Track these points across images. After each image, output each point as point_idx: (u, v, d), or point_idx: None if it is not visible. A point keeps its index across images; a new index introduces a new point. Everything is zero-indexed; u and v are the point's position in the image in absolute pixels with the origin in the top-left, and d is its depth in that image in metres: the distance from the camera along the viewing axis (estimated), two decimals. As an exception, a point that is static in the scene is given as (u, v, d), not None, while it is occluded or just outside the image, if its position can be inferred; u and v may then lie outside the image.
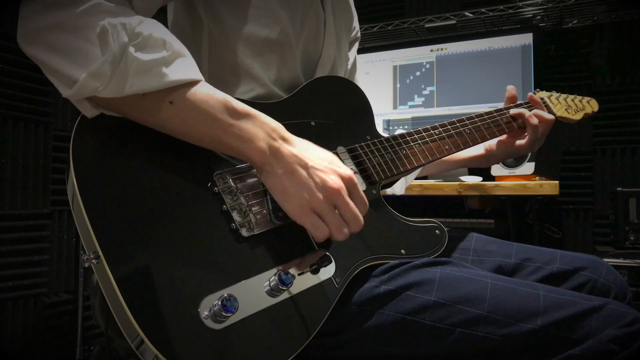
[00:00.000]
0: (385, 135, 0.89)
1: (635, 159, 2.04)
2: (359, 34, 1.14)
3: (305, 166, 0.66)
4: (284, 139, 0.67)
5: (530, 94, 1.07)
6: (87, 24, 0.57)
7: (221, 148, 0.66)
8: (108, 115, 0.63)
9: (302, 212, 0.65)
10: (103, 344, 1.74)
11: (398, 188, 1.22)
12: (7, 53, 1.69)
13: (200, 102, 0.63)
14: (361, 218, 0.68)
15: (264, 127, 0.66)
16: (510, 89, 1.08)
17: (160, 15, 0.74)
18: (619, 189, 1.77)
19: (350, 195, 0.67)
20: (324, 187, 0.65)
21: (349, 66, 1.11)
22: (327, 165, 0.67)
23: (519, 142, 1.05)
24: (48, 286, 1.81)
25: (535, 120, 1.01)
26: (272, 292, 0.63)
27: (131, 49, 0.57)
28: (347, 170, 0.69)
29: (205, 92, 0.64)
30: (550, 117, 1.04)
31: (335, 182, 0.66)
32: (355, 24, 1.11)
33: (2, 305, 1.66)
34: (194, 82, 0.63)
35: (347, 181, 0.68)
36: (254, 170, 0.70)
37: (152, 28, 0.61)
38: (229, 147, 0.65)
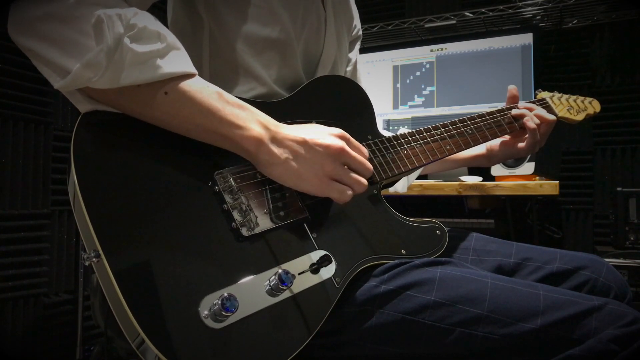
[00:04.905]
0: (387, 134, 0.89)
1: (635, 159, 2.04)
2: (360, 32, 1.14)
3: (304, 142, 0.68)
4: (276, 125, 0.69)
5: (514, 110, 1.03)
6: (81, 15, 0.57)
7: (216, 139, 0.66)
8: (108, 112, 0.63)
9: (322, 184, 0.69)
10: (103, 344, 1.74)
11: (400, 186, 1.22)
12: (7, 53, 1.68)
13: (194, 92, 0.63)
14: (368, 163, 0.73)
15: (255, 116, 0.67)
16: (512, 89, 1.07)
17: (160, 15, 0.74)
18: (619, 189, 1.77)
19: (348, 146, 0.71)
20: (329, 152, 0.68)
21: (350, 67, 1.12)
22: (319, 131, 0.70)
23: (520, 143, 1.05)
24: (48, 286, 1.81)
25: (532, 124, 1.00)
26: (272, 291, 0.63)
27: (126, 40, 0.57)
28: (336, 129, 0.72)
29: (199, 84, 0.65)
30: (552, 117, 1.04)
31: (335, 142, 0.69)
32: (357, 22, 1.11)
33: (2, 305, 1.66)
34: (188, 75, 0.64)
35: (342, 137, 0.71)
36: (255, 170, 0.70)
37: (147, 20, 0.61)
38: (224, 137, 0.65)
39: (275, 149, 0.67)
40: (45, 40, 0.58)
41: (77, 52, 0.57)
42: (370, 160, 0.82)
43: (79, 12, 0.58)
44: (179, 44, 0.65)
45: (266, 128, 0.67)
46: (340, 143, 0.69)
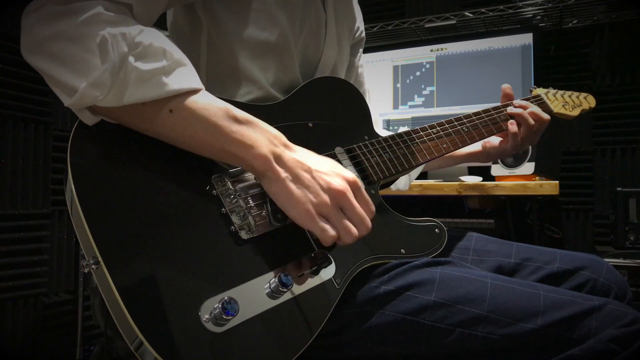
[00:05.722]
0: (384, 134, 0.89)
1: (635, 159, 2.04)
2: (363, 35, 1.14)
3: (309, 170, 0.66)
4: (286, 146, 0.67)
5: (509, 108, 1.04)
6: (87, 34, 0.57)
7: (222, 156, 0.66)
8: (106, 121, 0.63)
9: (308, 216, 0.64)
10: (103, 344, 1.74)
11: (402, 184, 1.23)
12: (7, 53, 1.68)
13: (200, 110, 0.62)
14: (368, 220, 0.68)
15: (265, 134, 0.66)
16: (505, 88, 1.08)
17: (160, 17, 0.74)
18: (619, 189, 1.77)
19: (355, 198, 0.67)
20: (329, 189, 0.65)
21: (353, 73, 1.12)
22: (331, 169, 0.67)
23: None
24: (48, 286, 1.81)
25: (514, 128, 1.01)
26: (273, 294, 0.63)
27: (131, 59, 0.57)
28: (351, 174, 0.69)
29: (206, 100, 0.63)
30: (547, 117, 1.04)
31: (340, 184, 0.66)
32: (359, 24, 1.11)
33: (2, 305, 1.66)
34: (194, 91, 0.63)
35: (352, 184, 0.68)
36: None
37: (152, 37, 0.60)
38: (230, 155, 0.65)
39: (278, 168, 0.65)
40: (54, 59, 0.58)
41: (85, 71, 0.57)
42: (367, 160, 0.82)
43: (85, 30, 0.58)
44: (185, 60, 0.64)
45: (275, 147, 0.66)
46: (344, 187, 0.66)
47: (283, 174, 0.65)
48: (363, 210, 0.67)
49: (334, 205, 0.65)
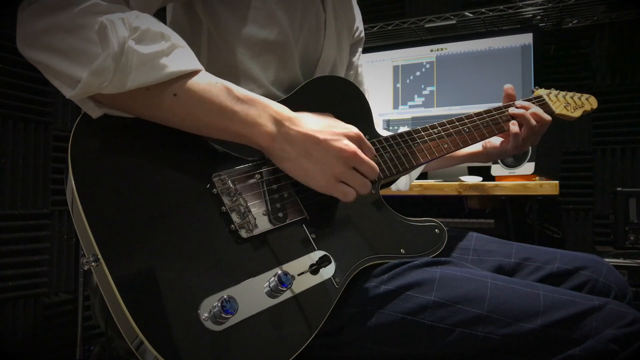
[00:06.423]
0: (385, 134, 0.89)
1: (635, 159, 2.04)
2: (362, 34, 1.14)
3: (318, 141, 0.68)
4: (289, 120, 0.68)
5: (511, 109, 1.04)
6: (85, 24, 0.58)
7: (227, 135, 0.67)
8: (108, 116, 0.63)
9: (329, 185, 0.70)
10: (103, 344, 1.74)
11: (402, 184, 1.23)
12: (7, 53, 1.69)
13: (203, 91, 0.63)
14: (375, 165, 0.73)
15: (268, 110, 0.67)
16: (508, 88, 1.07)
17: (160, 15, 0.74)
18: (619, 189, 1.76)
19: (360, 149, 0.72)
20: (341, 156, 0.69)
21: (352, 71, 1.11)
22: (335, 132, 0.70)
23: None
24: (48, 286, 1.81)
25: (516, 129, 1.01)
26: (272, 293, 0.63)
27: (131, 42, 0.58)
28: (353, 128, 0.73)
29: (207, 81, 0.65)
30: (548, 118, 1.04)
31: (349, 146, 0.70)
32: (359, 24, 1.11)
33: (2, 305, 1.66)
34: (194, 73, 0.64)
35: (356, 139, 0.72)
36: (254, 171, 0.71)
37: (149, 22, 0.61)
38: (236, 134, 0.66)
39: (288, 146, 0.67)
40: (53, 51, 0.58)
41: (85, 61, 0.57)
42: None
43: (84, 20, 0.58)
44: (182, 42, 0.65)
45: (279, 123, 0.67)
46: (353, 147, 0.70)
47: (294, 152, 0.68)
48: (370, 158, 0.72)
49: (348, 168, 0.70)
